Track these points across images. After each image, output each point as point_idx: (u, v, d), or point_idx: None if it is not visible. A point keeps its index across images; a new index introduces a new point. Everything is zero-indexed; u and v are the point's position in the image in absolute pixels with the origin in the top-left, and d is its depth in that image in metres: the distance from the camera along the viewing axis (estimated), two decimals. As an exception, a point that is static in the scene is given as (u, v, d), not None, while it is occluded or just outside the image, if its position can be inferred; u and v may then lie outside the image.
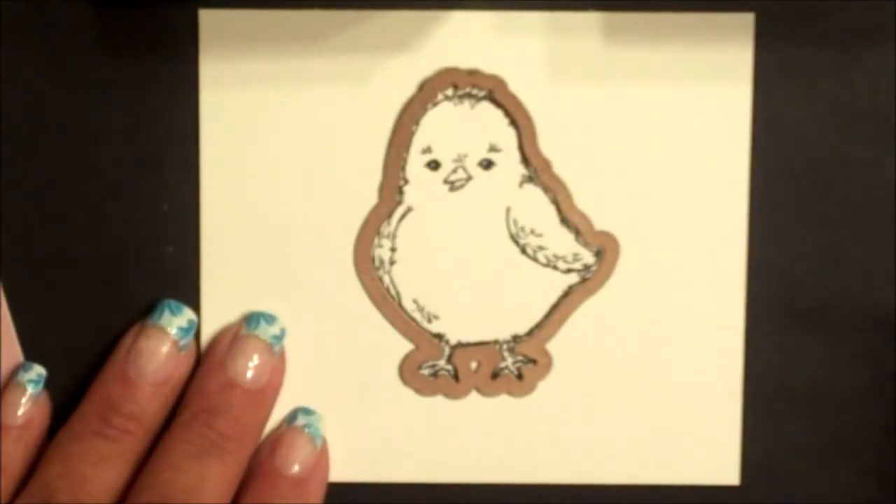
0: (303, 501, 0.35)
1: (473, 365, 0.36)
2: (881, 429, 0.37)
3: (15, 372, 0.35)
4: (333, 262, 0.36)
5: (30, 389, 0.34)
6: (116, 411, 0.33)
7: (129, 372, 0.34)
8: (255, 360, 0.34)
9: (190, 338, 0.35)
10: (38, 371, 0.35)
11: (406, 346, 0.36)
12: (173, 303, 0.35)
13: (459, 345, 0.36)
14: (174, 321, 0.35)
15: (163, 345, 0.34)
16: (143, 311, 0.35)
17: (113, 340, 0.35)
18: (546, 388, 0.36)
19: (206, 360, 0.35)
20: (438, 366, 0.36)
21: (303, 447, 0.35)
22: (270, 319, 0.35)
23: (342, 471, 0.36)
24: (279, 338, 0.35)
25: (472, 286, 0.36)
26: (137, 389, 0.34)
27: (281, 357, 0.35)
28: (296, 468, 0.35)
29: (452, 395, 0.36)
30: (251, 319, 0.35)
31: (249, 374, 0.34)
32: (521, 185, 0.36)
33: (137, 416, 0.34)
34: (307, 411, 0.36)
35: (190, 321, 0.35)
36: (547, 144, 0.36)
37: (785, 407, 0.36)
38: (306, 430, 0.35)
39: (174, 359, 0.34)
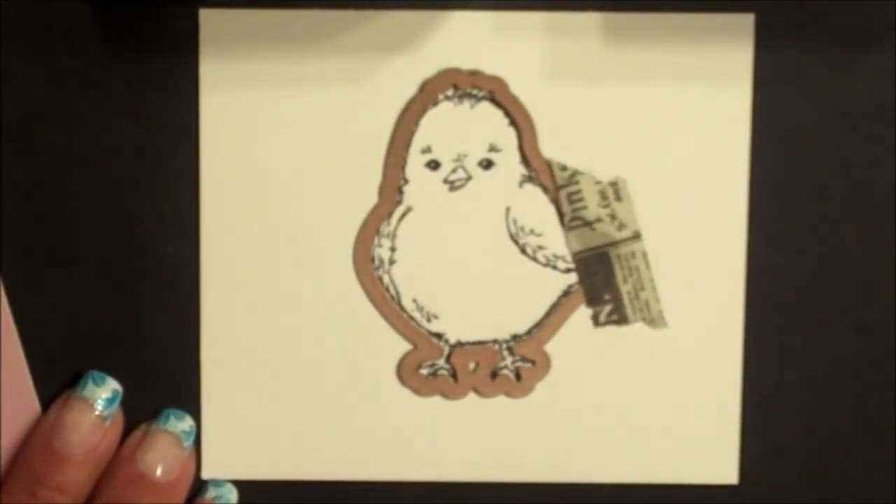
0: None
1: (472, 365, 0.36)
2: (880, 429, 0.37)
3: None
4: (333, 262, 0.36)
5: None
6: (42, 484, 0.34)
7: (54, 444, 0.34)
8: (165, 455, 0.35)
9: (114, 408, 0.35)
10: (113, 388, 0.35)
11: (405, 346, 0.36)
12: (97, 374, 0.35)
13: (458, 344, 0.36)
14: (98, 392, 0.35)
15: (87, 416, 0.34)
16: (144, 312, 0.36)
17: (113, 341, 0.36)
18: (544, 389, 0.36)
19: (118, 452, 0.35)
20: (437, 365, 0.36)
21: None
22: (180, 416, 0.36)
23: (338, 470, 0.36)
24: (189, 434, 0.36)
25: (472, 286, 0.36)
26: (63, 461, 0.34)
27: (191, 453, 0.36)
28: None
29: (450, 395, 0.36)
30: (161, 415, 0.36)
31: (159, 468, 0.35)
32: (520, 185, 0.36)
33: (63, 487, 0.34)
34: (217, 483, 0.36)
35: (114, 391, 0.35)
36: (547, 144, 0.36)
37: (784, 406, 0.37)
38: (217, 502, 0.36)
39: (99, 430, 0.34)
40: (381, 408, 0.36)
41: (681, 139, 0.36)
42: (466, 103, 0.35)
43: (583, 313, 0.36)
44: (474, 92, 0.35)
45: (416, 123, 0.35)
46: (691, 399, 0.36)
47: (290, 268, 0.36)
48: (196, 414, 0.36)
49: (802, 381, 0.36)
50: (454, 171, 0.36)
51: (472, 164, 0.36)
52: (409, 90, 0.35)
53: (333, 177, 0.35)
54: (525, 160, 0.36)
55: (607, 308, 0.36)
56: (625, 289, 0.36)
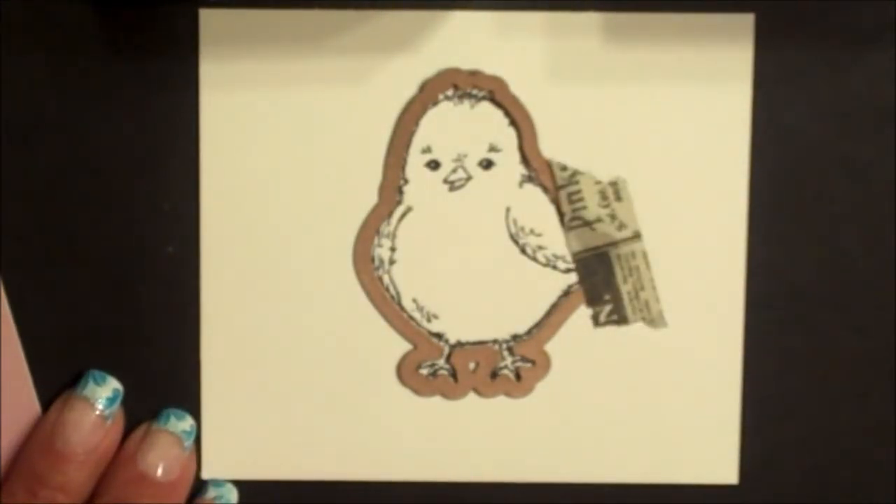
0: None
1: (472, 365, 0.36)
2: (880, 429, 0.37)
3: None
4: (333, 262, 0.36)
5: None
6: (44, 484, 0.34)
7: (55, 443, 0.34)
8: (166, 455, 0.35)
9: (115, 407, 0.35)
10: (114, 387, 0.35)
11: (405, 346, 0.36)
12: (98, 373, 0.35)
13: (458, 344, 0.36)
14: (99, 392, 0.35)
15: (87, 416, 0.34)
16: (144, 312, 0.36)
17: (113, 341, 0.36)
18: (544, 389, 0.36)
19: (118, 453, 0.35)
20: (437, 365, 0.36)
21: None
22: (180, 416, 0.36)
23: (338, 470, 0.36)
24: (189, 433, 0.35)
25: (472, 286, 0.36)
26: (64, 461, 0.34)
27: (191, 453, 0.36)
28: None
29: (450, 395, 0.36)
30: (161, 415, 0.36)
31: (160, 468, 0.35)
32: (520, 185, 0.36)
33: (65, 487, 0.34)
34: (217, 483, 0.36)
35: (115, 391, 0.35)
36: (547, 144, 0.36)
37: (784, 406, 0.37)
38: (217, 502, 0.36)
39: (100, 429, 0.34)
40: (381, 408, 0.36)
41: (681, 139, 0.36)
42: (466, 103, 0.35)
43: (583, 313, 0.36)
44: (474, 92, 0.35)
45: (416, 123, 0.35)
46: (691, 399, 0.36)
47: (291, 268, 0.36)
48: (196, 414, 0.36)
49: (802, 381, 0.36)
50: (454, 171, 0.36)
51: (472, 164, 0.36)
52: (409, 90, 0.35)
53: (333, 177, 0.35)
54: (525, 160, 0.36)
55: (607, 308, 0.36)
56: (625, 289, 0.36)
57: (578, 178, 0.36)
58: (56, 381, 0.36)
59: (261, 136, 0.35)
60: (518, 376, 0.36)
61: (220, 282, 0.36)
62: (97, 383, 0.35)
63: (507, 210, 0.36)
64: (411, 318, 0.36)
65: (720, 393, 0.36)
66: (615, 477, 0.37)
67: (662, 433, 0.36)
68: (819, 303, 0.36)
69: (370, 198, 0.36)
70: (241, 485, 0.37)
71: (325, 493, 0.37)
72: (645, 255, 0.36)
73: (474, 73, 0.35)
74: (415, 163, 0.36)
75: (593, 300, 0.36)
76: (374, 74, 0.35)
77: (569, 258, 0.36)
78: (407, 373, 0.36)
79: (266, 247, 0.36)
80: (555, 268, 0.36)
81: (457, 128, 0.36)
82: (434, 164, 0.36)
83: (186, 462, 0.35)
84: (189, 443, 0.35)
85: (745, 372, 0.36)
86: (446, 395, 0.36)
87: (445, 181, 0.36)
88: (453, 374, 0.36)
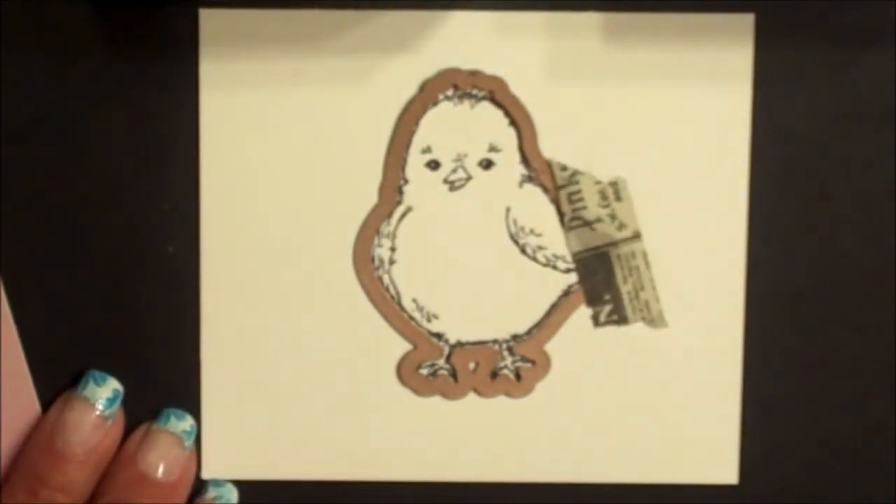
0: None
1: (472, 365, 0.36)
2: (880, 429, 0.37)
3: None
4: (333, 262, 0.36)
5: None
6: (44, 484, 0.34)
7: (55, 443, 0.34)
8: (166, 455, 0.35)
9: (115, 407, 0.35)
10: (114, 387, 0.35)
11: (405, 346, 0.36)
12: (98, 373, 0.35)
13: (458, 344, 0.36)
14: (99, 392, 0.35)
15: (88, 416, 0.34)
16: (144, 312, 0.36)
17: (113, 341, 0.36)
18: (544, 389, 0.36)
19: (118, 453, 0.35)
20: (437, 365, 0.36)
21: None
22: (180, 416, 0.36)
23: (338, 470, 0.36)
24: (190, 433, 0.35)
25: (472, 286, 0.36)
26: (64, 461, 0.34)
27: (191, 453, 0.36)
28: None
29: (450, 395, 0.36)
30: (161, 415, 0.36)
31: (160, 468, 0.35)
32: (520, 185, 0.36)
33: (65, 487, 0.34)
34: (217, 483, 0.36)
35: (115, 391, 0.35)
36: (547, 144, 0.36)
37: (784, 406, 0.37)
38: (217, 502, 0.36)
39: (100, 429, 0.34)
40: (381, 408, 0.36)
41: (681, 139, 0.36)
42: (466, 103, 0.35)
43: (583, 313, 0.36)
44: (474, 92, 0.35)
45: (416, 123, 0.35)
46: (691, 399, 0.36)
47: (290, 268, 0.36)
48: (196, 414, 0.36)
49: (802, 381, 0.36)
50: (454, 171, 0.36)
51: (472, 164, 0.36)
52: (409, 90, 0.35)
53: (333, 177, 0.35)
54: (525, 160, 0.36)
55: (607, 308, 0.36)
56: (625, 289, 0.36)
57: (578, 178, 0.36)
58: (56, 381, 0.36)
59: (261, 136, 0.35)
60: (518, 376, 0.36)
61: (220, 282, 0.36)
62: (97, 383, 0.35)
63: (507, 210, 0.36)
64: (411, 318, 0.36)
65: (720, 393, 0.36)
66: (615, 477, 0.37)
67: (662, 433, 0.36)
68: (819, 303, 0.36)
69: (370, 198, 0.36)
70: (241, 485, 0.37)
71: (325, 493, 0.37)
72: (645, 255, 0.36)
73: (474, 73, 0.35)
74: (415, 163, 0.36)
75: (593, 300, 0.36)
76: (374, 74, 0.35)
77: (569, 258, 0.36)
78: (407, 373, 0.36)
79: (266, 247, 0.36)
80: (555, 268, 0.36)
81: (457, 128, 0.36)
82: (434, 164, 0.36)
83: (186, 462, 0.35)
84: (189, 443, 0.35)
85: (745, 372, 0.36)
86: (446, 395, 0.36)
87: (445, 181, 0.36)
88: (453, 374, 0.36)
